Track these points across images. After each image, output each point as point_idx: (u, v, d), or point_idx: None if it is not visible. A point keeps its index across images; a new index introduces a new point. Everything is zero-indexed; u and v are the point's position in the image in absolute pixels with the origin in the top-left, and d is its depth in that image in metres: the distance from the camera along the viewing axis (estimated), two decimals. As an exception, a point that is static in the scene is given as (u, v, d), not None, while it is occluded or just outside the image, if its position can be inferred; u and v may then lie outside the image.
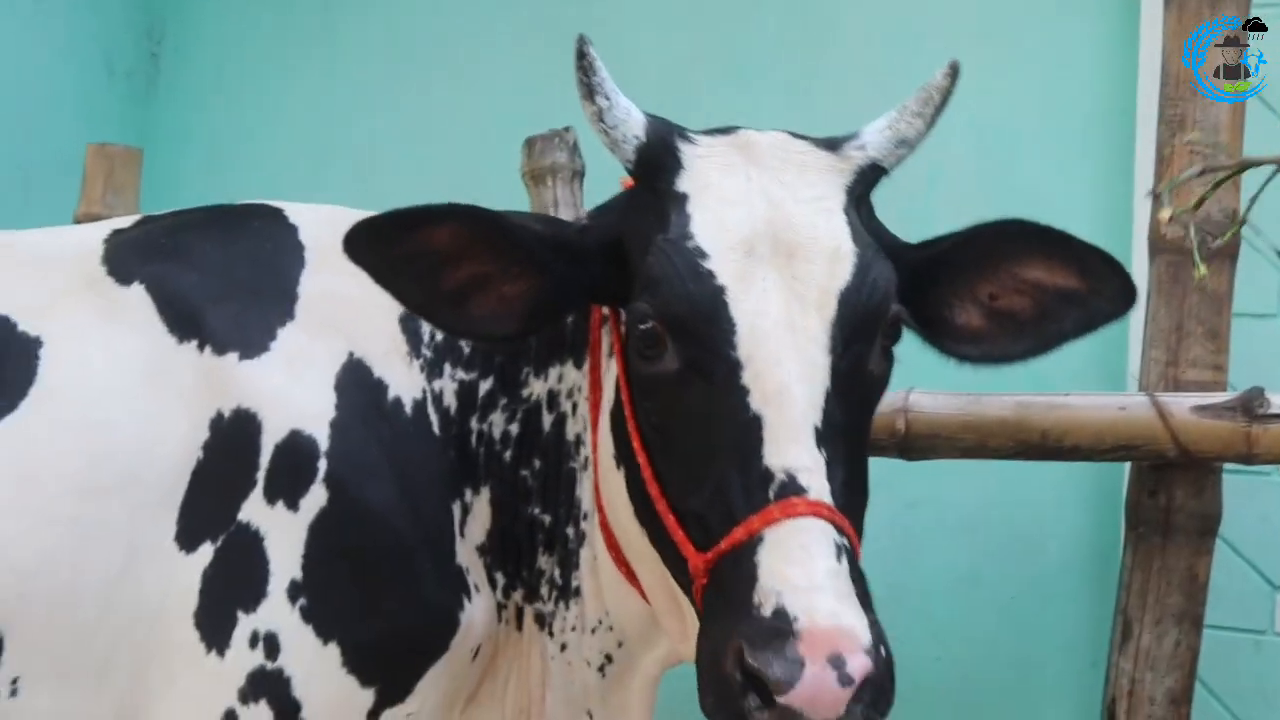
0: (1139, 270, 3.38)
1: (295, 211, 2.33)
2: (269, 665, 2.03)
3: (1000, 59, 3.77)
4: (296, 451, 2.08)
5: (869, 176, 2.01)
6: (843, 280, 1.87)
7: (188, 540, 2.06)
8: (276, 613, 2.04)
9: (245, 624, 2.04)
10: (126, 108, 4.48)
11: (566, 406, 2.20)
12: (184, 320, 2.15)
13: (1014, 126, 3.77)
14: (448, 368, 2.22)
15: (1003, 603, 3.72)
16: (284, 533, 2.06)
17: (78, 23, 4.41)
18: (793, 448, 1.77)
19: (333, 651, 2.05)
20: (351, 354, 2.16)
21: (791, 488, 1.75)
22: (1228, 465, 2.80)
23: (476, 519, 2.20)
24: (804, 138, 2.04)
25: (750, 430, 1.79)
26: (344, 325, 2.19)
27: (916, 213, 3.78)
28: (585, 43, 1.88)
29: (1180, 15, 2.83)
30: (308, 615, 2.04)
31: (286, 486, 2.07)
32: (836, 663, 1.61)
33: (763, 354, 1.82)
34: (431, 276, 1.97)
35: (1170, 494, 2.72)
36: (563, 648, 2.25)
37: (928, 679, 3.57)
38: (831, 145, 2.02)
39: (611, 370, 2.07)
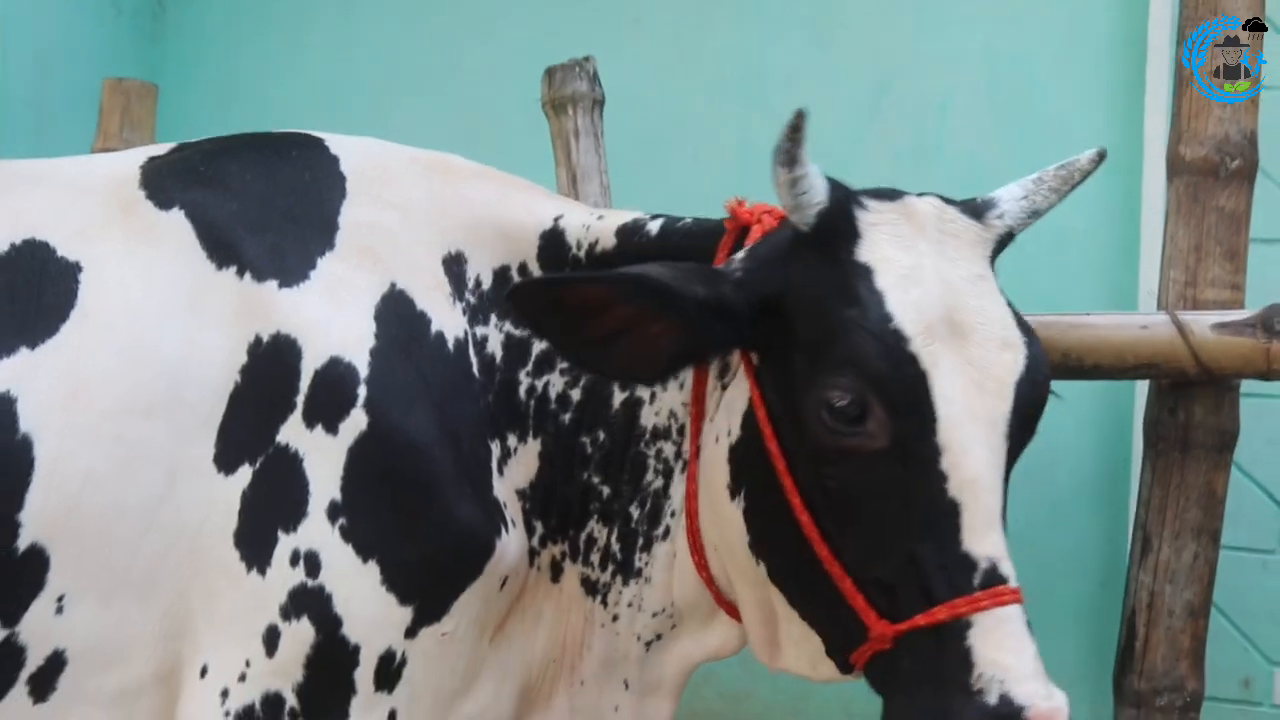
0: (1154, 193, 3.43)
1: (336, 142, 2.35)
2: (310, 583, 2.07)
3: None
4: (336, 377, 2.11)
5: (1004, 245, 2.12)
6: (1017, 371, 1.98)
7: (227, 461, 2.09)
8: (317, 532, 2.08)
9: (286, 543, 2.08)
10: (134, 46, 4.47)
11: (643, 393, 2.25)
12: (223, 246, 2.17)
13: (1027, 52, 3.78)
14: (494, 319, 2.26)
15: (1014, 529, 3.76)
16: (323, 455, 2.09)
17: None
18: (991, 536, 1.91)
19: (372, 569, 2.09)
20: (394, 285, 2.19)
21: (996, 577, 1.89)
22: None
23: (520, 464, 2.24)
24: (952, 203, 2.11)
25: (949, 514, 1.91)
26: (385, 257, 2.21)
27: (929, 139, 3.83)
28: (803, 117, 1.92)
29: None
30: (347, 534, 2.08)
31: (326, 411, 2.10)
32: None
33: (958, 441, 1.92)
34: (583, 325, 2.02)
35: (1189, 411, 2.76)
36: (614, 618, 2.31)
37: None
38: (975, 213, 2.12)
39: (735, 403, 2.13)
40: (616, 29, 4.16)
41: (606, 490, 2.26)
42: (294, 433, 2.10)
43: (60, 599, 2.03)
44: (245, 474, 2.09)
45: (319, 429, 2.10)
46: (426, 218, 2.28)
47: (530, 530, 2.26)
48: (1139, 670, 2.80)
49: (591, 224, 2.31)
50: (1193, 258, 2.77)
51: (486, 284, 2.28)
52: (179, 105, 4.46)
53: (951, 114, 3.85)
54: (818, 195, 2.01)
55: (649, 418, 2.25)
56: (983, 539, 1.91)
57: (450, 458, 2.14)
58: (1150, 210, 3.48)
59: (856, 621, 1.96)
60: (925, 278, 1.98)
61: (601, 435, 2.25)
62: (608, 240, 2.29)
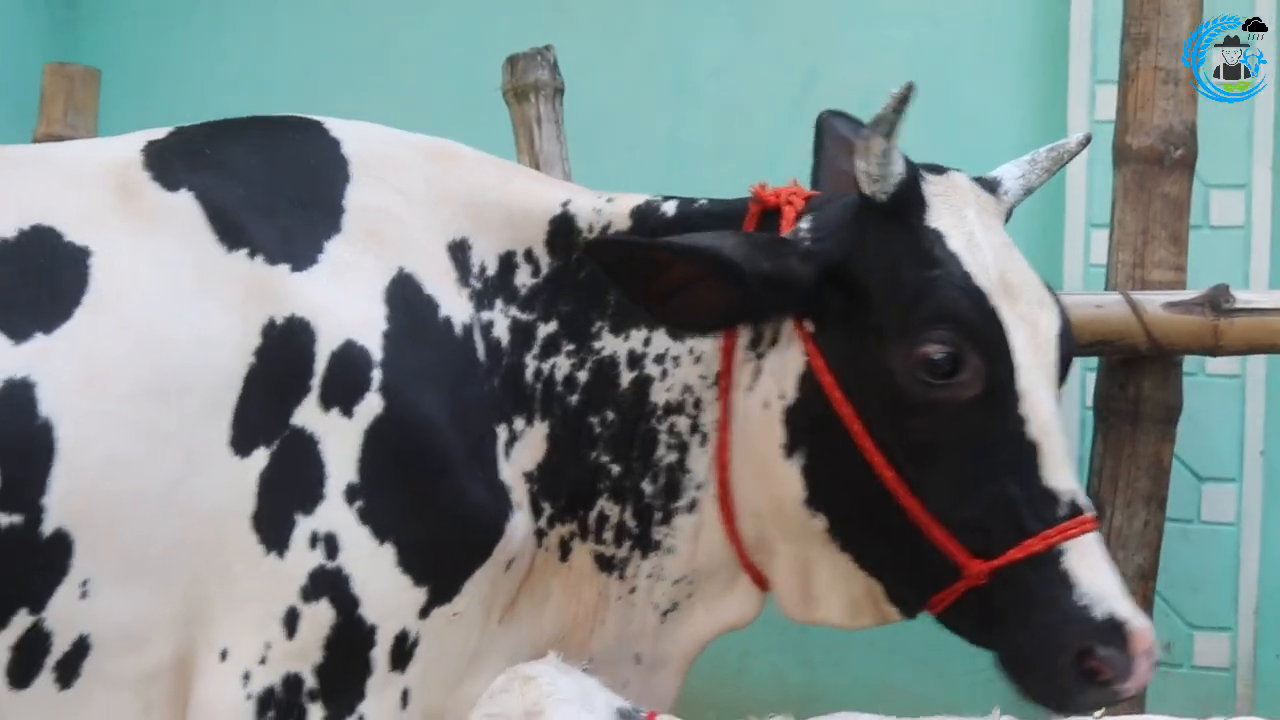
0: (1077, 182, 3.58)
1: (335, 125, 2.39)
2: (329, 564, 2.11)
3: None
4: (351, 360, 2.14)
5: (1007, 219, 2.33)
6: (1056, 328, 2.19)
7: (242, 445, 2.11)
8: (334, 514, 2.11)
9: (304, 525, 2.11)
10: (52, 31, 4.35)
11: (653, 370, 2.31)
12: (233, 229, 2.19)
13: (949, 46, 3.89)
14: (500, 304, 2.31)
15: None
16: (340, 438, 2.13)
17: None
18: (1065, 472, 2.11)
19: (389, 550, 2.13)
20: (401, 269, 2.22)
21: (1078, 508, 2.09)
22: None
23: (527, 447, 2.29)
24: (975, 180, 2.29)
25: (1030, 455, 2.09)
26: (392, 241, 2.25)
27: (855, 131, 3.93)
28: (911, 89, 2.07)
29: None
30: (365, 516, 2.12)
31: (341, 394, 2.13)
32: (1151, 654, 2.07)
33: (1033, 387, 2.10)
34: (650, 280, 2.14)
35: (1139, 386, 2.94)
36: (632, 590, 2.37)
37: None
38: (990, 188, 2.31)
39: (786, 368, 2.23)
40: (546, 16, 4.18)
41: (617, 468, 2.31)
42: (310, 416, 2.13)
43: (84, 584, 2.04)
44: (261, 456, 2.11)
45: (335, 412, 2.13)
46: (430, 203, 2.32)
47: (538, 512, 2.30)
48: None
49: (602, 207, 2.37)
50: (1139, 240, 2.95)
51: (491, 269, 2.32)
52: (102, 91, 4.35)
53: (877, 107, 3.96)
54: (899, 166, 2.14)
55: (659, 394, 2.30)
56: (1060, 474, 2.11)
57: (460, 440, 2.19)
58: (1074, 199, 3.63)
59: (946, 564, 2.10)
60: (981, 243, 2.15)
61: (610, 414, 2.31)
62: (622, 222, 2.35)
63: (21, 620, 2.02)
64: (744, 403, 2.26)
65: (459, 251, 2.30)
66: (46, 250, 2.13)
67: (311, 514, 2.11)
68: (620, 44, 4.15)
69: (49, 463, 2.01)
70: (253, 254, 2.17)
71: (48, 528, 2.01)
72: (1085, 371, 3.37)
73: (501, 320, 2.30)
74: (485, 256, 2.33)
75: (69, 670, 2.05)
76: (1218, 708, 3.10)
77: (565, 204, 2.38)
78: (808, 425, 2.20)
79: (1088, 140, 2.39)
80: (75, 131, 3.40)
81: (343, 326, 2.16)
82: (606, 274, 2.20)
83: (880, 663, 3.46)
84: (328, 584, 2.11)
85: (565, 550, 2.35)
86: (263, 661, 2.11)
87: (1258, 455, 3.46)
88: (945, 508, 2.11)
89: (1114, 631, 2.05)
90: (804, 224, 2.23)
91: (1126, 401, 2.96)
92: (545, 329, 2.31)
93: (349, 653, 2.13)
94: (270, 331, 2.14)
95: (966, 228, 2.17)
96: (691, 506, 2.32)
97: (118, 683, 2.09)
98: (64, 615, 2.03)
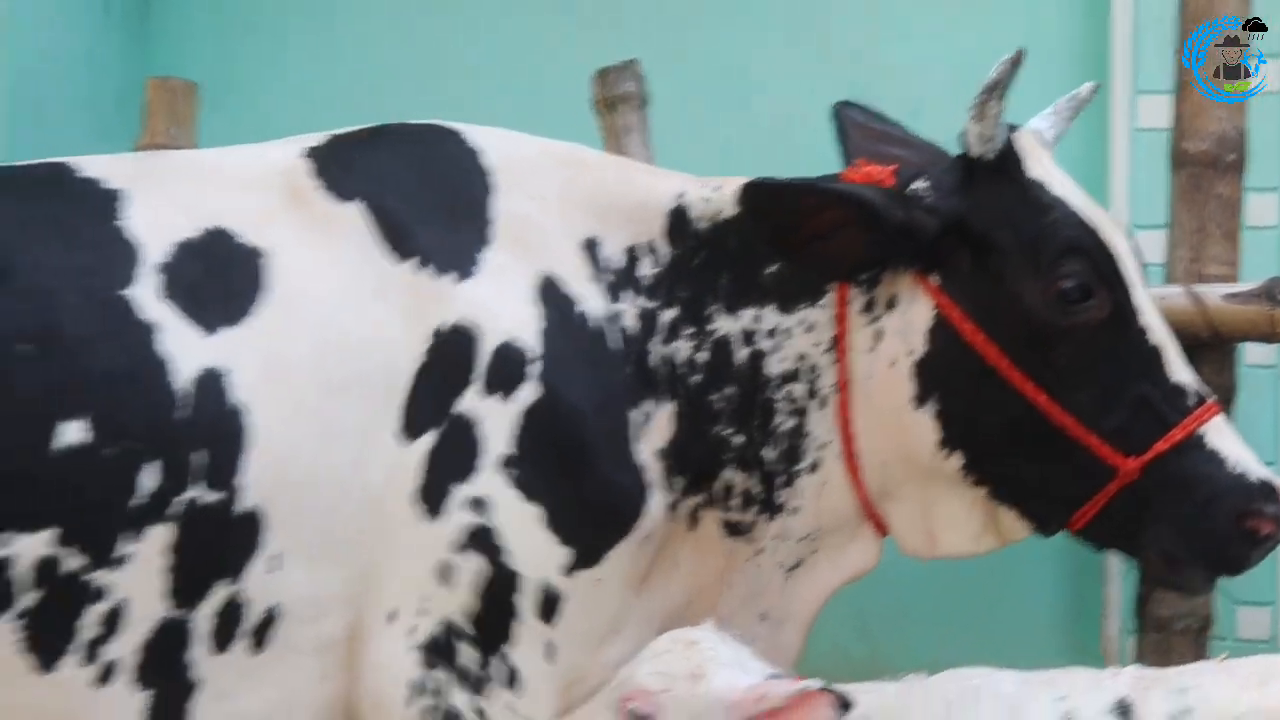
0: (1119, 192, 3.79)
1: (473, 134, 2.54)
2: (479, 520, 2.28)
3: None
4: (510, 359, 2.33)
5: None
6: (1130, 248, 2.45)
7: (409, 433, 2.29)
8: (488, 481, 2.29)
9: (459, 492, 2.28)
10: (124, 47, 4.49)
11: (765, 345, 2.48)
12: (400, 239, 2.37)
13: (993, 59, 4.05)
14: (629, 294, 2.47)
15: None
16: (498, 418, 2.30)
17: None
18: (1184, 369, 2.40)
19: (537, 510, 2.30)
20: (544, 271, 2.40)
21: (1203, 395, 2.39)
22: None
23: (658, 428, 2.44)
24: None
25: (1155, 359, 2.39)
26: (535, 245, 2.42)
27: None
28: (1022, 55, 2.34)
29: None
30: (516, 481, 2.29)
31: (502, 384, 2.31)
32: None
33: (1144, 302, 2.40)
34: (798, 224, 2.37)
35: (1199, 371, 3.10)
36: (759, 552, 2.54)
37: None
38: (1040, 139, 2.56)
39: (911, 325, 2.44)
40: (603, 34, 4.34)
41: (740, 439, 2.48)
42: (471, 403, 2.31)
43: (274, 559, 2.20)
44: (427, 441, 2.29)
45: (495, 398, 2.31)
46: (562, 206, 2.49)
47: (670, 487, 2.46)
48: (1162, 599, 3.21)
49: (711, 196, 2.55)
50: (1196, 238, 3.19)
51: (619, 264, 2.49)
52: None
53: (922, 120, 4.12)
54: (1004, 126, 2.40)
55: (774, 366, 2.47)
56: (1182, 371, 2.41)
57: (605, 426, 2.37)
58: (1118, 202, 3.83)
59: (1100, 468, 2.36)
60: (1070, 186, 2.45)
61: (729, 389, 2.47)
62: (730, 209, 2.52)
63: (223, 590, 2.19)
64: (865, 363, 2.45)
65: (589, 249, 2.48)
66: (224, 252, 2.29)
67: (466, 481, 2.29)
68: (676, 59, 4.31)
69: (243, 447, 2.19)
70: (422, 263, 2.36)
71: (245, 505, 2.18)
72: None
73: (630, 310, 2.46)
74: (612, 252, 2.50)
75: (261, 637, 2.23)
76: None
77: (679, 196, 2.55)
78: (943, 372, 2.42)
79: (1096, 89, 2.72)
80: (175, 142, 3.56)
81: (503, 329, 2.34)
82: (754, 218, 2.41)
83: (939, 635, 3.65)
84: (478, 538, 2.29)
85: (694, 519, 2.51)
86: (424, 613, 2.29)
87: (1294, 438, 3.65)
88: (1096, 419, 2.36)
89: (1268, 492, 2.34)
90: (919, 186, 2.45)
91: (1187, 385, 3.19)
92: (667, 315, 2.48)
93: (499, 599, 2.30)
94: (439, 335, 2.33)
95: (1056, 175, 2.46)
96: (814, 467, 2.50)
97: (301, 650, 2.26)
98: (257, 587, 2.20)
